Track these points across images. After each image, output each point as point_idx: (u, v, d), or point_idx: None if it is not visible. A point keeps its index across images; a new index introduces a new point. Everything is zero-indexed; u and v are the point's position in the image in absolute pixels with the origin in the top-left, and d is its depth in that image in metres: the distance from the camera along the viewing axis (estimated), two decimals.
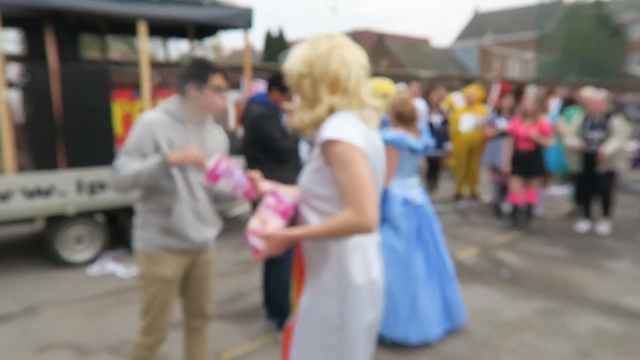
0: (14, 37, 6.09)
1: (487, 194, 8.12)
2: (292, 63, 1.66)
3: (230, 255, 5.34)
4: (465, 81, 14.18)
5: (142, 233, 2.36)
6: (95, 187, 4.79)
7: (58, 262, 4.84)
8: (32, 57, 4.90)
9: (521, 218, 6.24)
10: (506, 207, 6.77)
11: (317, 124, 1.63)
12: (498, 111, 6.94)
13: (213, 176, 2.00)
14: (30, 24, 4.89)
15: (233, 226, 6.57)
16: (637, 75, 27.99)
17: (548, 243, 5.76)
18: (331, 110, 1.62)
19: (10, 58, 5.77)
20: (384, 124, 3.72)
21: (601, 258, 5.23)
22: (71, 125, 4.68)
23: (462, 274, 4.69)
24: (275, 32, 29.71)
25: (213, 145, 2.44)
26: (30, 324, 3.74)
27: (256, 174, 2.01)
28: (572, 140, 6.03)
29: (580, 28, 27.16)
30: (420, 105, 7.29)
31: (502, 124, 6.66)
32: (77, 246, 4.94)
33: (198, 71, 2.29)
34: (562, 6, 29.84)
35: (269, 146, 3.35)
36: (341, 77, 1.60)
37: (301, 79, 1.64)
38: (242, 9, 5.65)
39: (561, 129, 6.54)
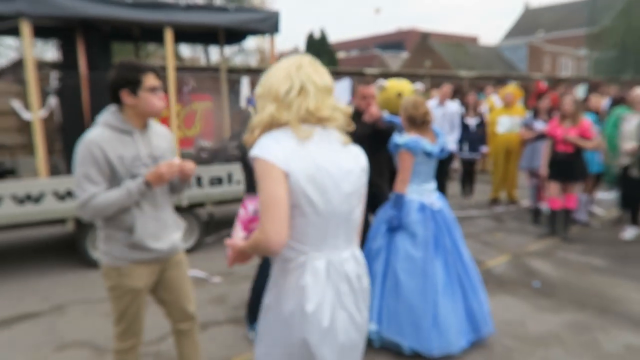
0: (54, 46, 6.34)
1: (526, 198, 7.78)
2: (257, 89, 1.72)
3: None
4: (510, 81, 13.68)
5: (107, 247, 2.30)
6: None
7: (88, 263, 5.01)
8: (66, 65, 5.11)
9: (559, 224, 5.92)
10: (543, 212, 6.46)
11: (256, 136, 1.65)
12: (535, 112, 6.61)
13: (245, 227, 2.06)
14: (65, 34, 5.09)
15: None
16: None
17: (587, 252, 5.43)
18: (271, 123, 1.63)
19: (51, 66, 6.03)
20: (399, 129, 3.60)
21: None
22: None
23: (490, 282, 4.50)
24: (317, 34, 29.78)
25: (164, 146, 2.39)
26: (55, 323, 3.87)
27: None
28: (628, 143, 5.65)
29: (637, 23, 25.60)
30: (453, 107, 7.08)
31: (540, 125, 6.35)
32: None
33: (128, 74, 2.18)
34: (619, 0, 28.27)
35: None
36: (281, 91, 1.61)
37: (258, 99, 1.69)
38: (268, 13, 5.67)
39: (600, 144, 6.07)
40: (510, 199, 7.69)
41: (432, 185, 3.49)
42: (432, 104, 7.06)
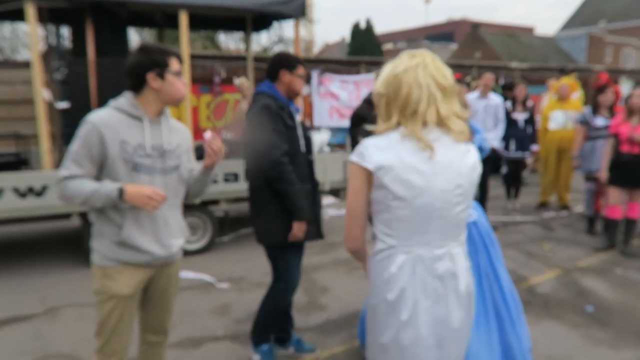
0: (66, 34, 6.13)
1: (580, 204, 6.98)
2: (377, 83, 1.69)
3: (264, 262, 4.90)
4: (567, 73, 12.61)
5: (97, 244, 2.10)
6: None
7: None
8: (75, 51, 4.83)
9: (619, 236, 5.16)
10: (601, 221, 5.68)
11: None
12: (594, 107, 5.78)
13: None
14: (75, 18, 4.80)
15: None
16: None
17: None
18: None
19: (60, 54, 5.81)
20: None
21: None
22: None
23: (533, 304, 3.88)
24: (363, 24, 28.99)
25: (176, 141, 2.19)
26: (44, 328, 3.58)
27: None
28: None
29: None
30: (496, 99, 6.37)
31: (600, 122, 5.56)
32: None
33: (156, 56, 2.04)
34: None
35: (257, 154, 2.79)
36: (412, 100, 1.58)
37: (379, 98, 1.67)
38: None
39: None
40: (562, 204, 6.91)
41: None
42: (472, 96, 6.38)
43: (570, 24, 45.94)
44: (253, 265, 4.81)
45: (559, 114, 6.51)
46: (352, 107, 10.46)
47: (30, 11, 4.17)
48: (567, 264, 4.84)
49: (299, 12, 5.15)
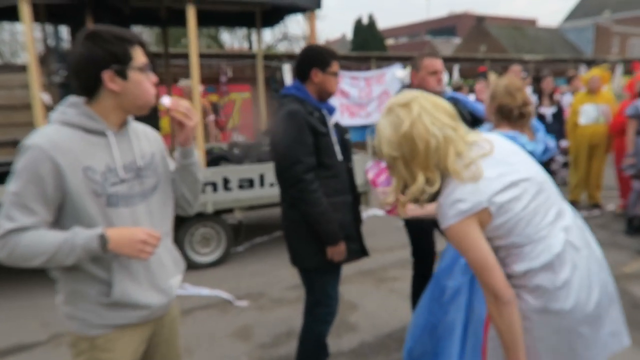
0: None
1: (612, 202, 6.60)
2: (380, 143, 1.62)
3: (286, 274, 4.56)
4: (581, 64, 12.22)
5: (75, 310, 1.56)
6: None
7: None
8: None
9: None
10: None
11: (431, 196, 1.59)
12: None
13: (373, 183, 1.93)
14: (74, 16, 4.45)
15: None
16: None
17: None
18: (431, 180, 1.57)
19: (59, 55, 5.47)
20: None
21: None
22: None
23: None
24: (365, 20, 28.57)
25: (149, 150, 1.68)
26: (50, 359, 3.24)
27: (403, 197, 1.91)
28: None
29: None
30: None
31: None
32: None
33: (113, 48, 1.48)
34: None
35: (278, 169, 2.48)
36: (431, 150, 1.54)
37: (393, 161, 1.60)
38: None
39: None
40: (593, 202, 6.53)
41: None
42: None
43: (574, 14, 45.38)
44: (272, 279, 4.46)
45: (590, 107, 6.13)
46: (363, 104, 10.13)
47: (25, 9, 3.81)
48: (612, 270, 4.46)
49: (315, 4, 4.79)
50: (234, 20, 6.16)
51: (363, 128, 9.81)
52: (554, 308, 1.55)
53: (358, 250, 2.64)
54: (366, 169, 2.07)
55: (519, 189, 1.55)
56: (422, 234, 3.09)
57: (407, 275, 4.46)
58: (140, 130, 1.70)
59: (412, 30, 50.99)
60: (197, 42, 4.58)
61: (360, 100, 9.90)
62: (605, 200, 6.68)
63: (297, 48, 20.06)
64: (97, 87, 1.50)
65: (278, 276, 4.53)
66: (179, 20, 6.08)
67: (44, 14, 4.56)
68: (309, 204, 2.39)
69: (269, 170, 4.80)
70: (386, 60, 10.43)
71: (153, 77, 1.59)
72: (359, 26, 28.30)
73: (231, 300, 4.01)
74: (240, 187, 4.71)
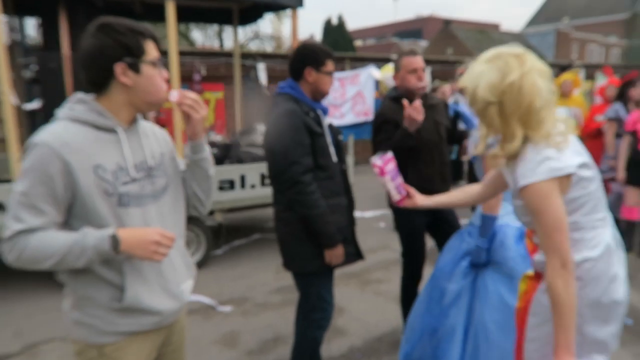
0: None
1: None
2: (476, 86, 1.54)
3: (268, 278, 4.47)
4: (565, 69, 12.55)
5: (83, 316, 1.48)
6: None
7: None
8: (47, 46, 4.25)
9: (636, 239, 4.94)
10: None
11: (512, 156, 1.57)
12: (624, 102, 5.39)
13: (381, 171, 1.96)
14: (46, 9, 4.22)
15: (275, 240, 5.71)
16: None
17: None
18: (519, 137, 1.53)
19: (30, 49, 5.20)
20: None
21: None
22: None
23: None
24: (335, 21, 28.61)
25: (158, 150, 1.62)
26: None
27: (414, 191, 2.05)
28: None
29: None
30: None
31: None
32: None
33: (127, 40, 1.42)
34: None
35: (275, 171, 2.40)
36: (535, 109, 1.50)
37: (488, 106, 1.53)
38: None
39: None
40: None
41: None
42: None
43: (535, 20, 46.89)
44: (254, 283, 4.36)
45: (563, 110, 6.26)
46: (337, 105, 10.10)
47: None
48: None
49: (297, 2, 4.71)
50: (211, 16, 6.00)
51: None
52: (610, 299, 1.56)
53: (353, 254, 2.58)
54: (372, 161, 2.00)
55: (591, 172, 1.56)
56: (414, 234, 3.06)
57: (390, 277, 4.45)
58: (149, 129, 1.63)
59: (379, 32, 51.45)
60: (177, 38, 4.42)
61: (335, 101, 9.86)
62: None
63: (269, 47, 19.90)
64: (107, 80, 1.44)
65: (260, 280, 4.43)
66: (154, 15, 5.91)
67: (12, 6, 4.31)
68: (307, 206, 2.32)
69: (250, 171, 4.69)
70: (360, 61, 10.43)
71: (165, 73, 1.53)
72: (328, 27, 28.33)
73: (214, 306, 3.89)
74: (221, 188, 4.58)
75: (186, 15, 5.77)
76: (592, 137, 5.97)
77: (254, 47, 19.05)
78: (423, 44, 39.32)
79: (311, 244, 2.41)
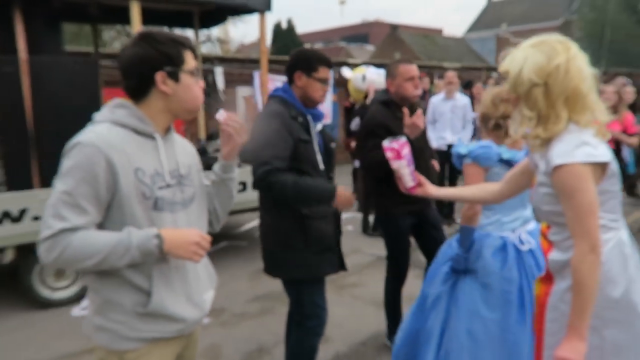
0: None
1: None
2: (521, 68, 1.54)
3: (243, 286, 4.38)
4: (492, 72, 13.10)
5: (106, 321, 1.47)
6: None
7: (35, 302, 3.92)
8: (2, 50, 3.95)
9: None
10: None
11: (549, 139, 1.56)
12: None
13: (397, 155, 1.91)
14: (2, 13, 3.93)
15: (248, 245, 5.64)
16: None
17: None
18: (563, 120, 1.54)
19: None
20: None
21: None
22: (48, 132, 3.72)
23: None
24: (284, 25, 28.66)
25: (188, 161, 1.66)
26: None
27: (425, 180, 2.02)
28: None
29: (607, 15, 25.71)
30: (464, 99, 6.28)
31: None
32: (59, 281, 4.01)
33: (169, 49, 1.49)
34: None
35: (252, 171, 2.32)
36: (582, 92, 1.52)
37: (533, 88, 1.53)
38: None
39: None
40: None
41: (524, 212, 2.51)
42: (437, 98, 6.25)
43: (475, 26, 48.90)
44: (229, 293, 4.25)
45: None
46: None
47: None
48: None
49: (266, 5, 4.66)
50: (171, 19, 5.83)
51: None
52: (628, 300, 1.57)
53: (337, 264, 2.55)
54: (385, 146, 1.94)
55: (616, 169, 1.58)
56: (399, 236, 3.10)
57: (365, 281, 4.48)
58: (178, 140, 1.68)
59: (326, 36, 51.91)
60: None
61: None
62: None
63: (218, 51, 19.59)
64: (148, 88, 1.49)
65: (235, 289, 4.33)
66: (111, 17, 5.68)
67: None
68: (283, 191, 2.22)
69: None
70: None
71: (202, 83, 1.59)
72: (278, 30, 28.33)
73: None
74: None
75: (146, 18, 5.56)
76: None
77: (204, 50, 18.68)
78: (370, 48, 40.03)
79: (299, 250, 2.37)
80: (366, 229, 5.96)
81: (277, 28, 28.61)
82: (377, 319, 3.73)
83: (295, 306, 2.56)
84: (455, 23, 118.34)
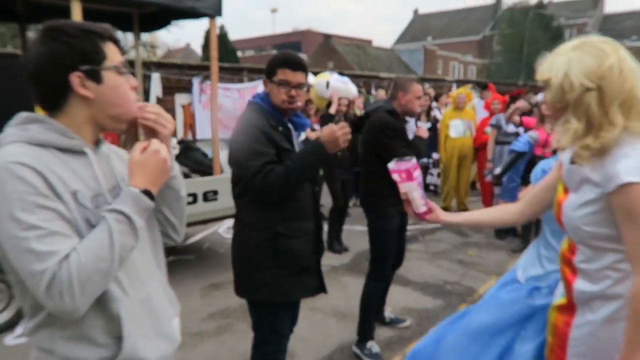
0: None
1: (477, 208, 7.40)
2: (566, 74, 1.39)
3: (196, 304, 4.16)
4: (425, 83, 13.59)
5: None
6: None
7: None
8: None
9: (532, 237, 5.50)
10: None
11: (602, 150, 1.38)
12: (509, 114, 6.03)
13: (408, 176, 1.76)
14: None
15: (196, 259, 5.38)
16: None
17: None
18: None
19: None
20: None
21: None
22: None
23: None
24: (217, 31, 28.18)
25: (124, 172, 1.37)
26: None
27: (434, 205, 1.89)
28: None
29: (523, 31, 27.68)
30: None
31: (511, 128, 5.86)
32: None
33: (83, 44, 1.19)
34: (505, 9, 30.44)
35: (240, 175, 2.23)
36: (638, 95, 1.38)
37: (585, 93, 1.37)
38: None
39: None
40: (462, 208, 7.25)
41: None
42: None
43: (403, 38, 50.86)
44: (183, 311, 3.92)
45: (459, 122, 6.82)
46: (237, 117, 9.85)
47: None
48: (499, 269, 4.98)
49: (216, 10, 4.50)
50: (110, 21, 5.48)
51: None
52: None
53: (316, 286, 2.39)
54: (391, 169, 1.79)
55: None
56: (389, 238, 3.20)
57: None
58: (111, 150, 1.39)
59: (258, 43, 51.74)
60: None
61: (235, 112, 9.60)
62: (471, 205, 7.47)
63: (154, 56, 18.87)
64: (63, 95, 1.20)
65: (187, 307, 4.09)
66: (41, 16, 5.24)
67: None
68: (280, 176, 2.09)
69: None
70: (258, 73, 10.32)
71: (133, 81, 1.30)
72: (210, 37, 27.71)
73: None
74: None
75: (85, 18, 5.20)
76: (483, 148, 6.56)
77: (133, 55, 17.94)
78: (302, 56, 40.31)
79: (266, 269, 2.22)
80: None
81: (210, 34, 28.04)
82: (340, 330, 3.69)
83: (255, 328, 2.39)
84: (382, 33, 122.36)
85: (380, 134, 3.10)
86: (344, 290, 4.43)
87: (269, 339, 2.34)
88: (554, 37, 26.20)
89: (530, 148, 4.80)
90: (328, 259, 5.26)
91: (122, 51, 1.28)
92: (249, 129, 2.17)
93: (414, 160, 1.83)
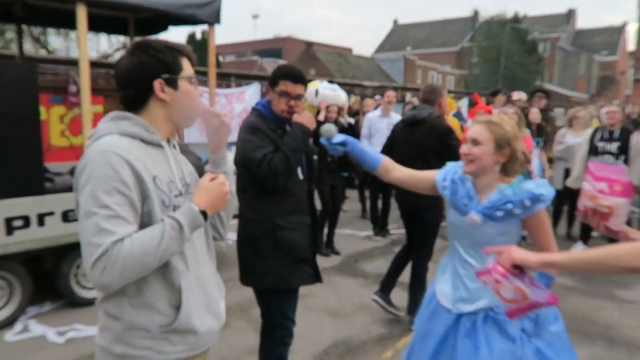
0: None
1: None
2: None
3: None
4: (408, 91, 13.93)
5: (128, 348, 1.40)
6: (13, 225, 3.54)
7: None
8: None
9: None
10: None
11: None
12: None
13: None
14: None
15: None
16: (551, 91, 29.99)
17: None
18: None
19: None
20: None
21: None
22: None
23: None
24: (199, 36, 28.09)
25: (189, 169, 1.65)
26: None
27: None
28: None
29: (499, 43, 28.45)
30: (398, 117, 6.64)
31: None
32: None
33: (166, 57, 1.47)
34: (481, 22, 31.28)
35: (249, 170, 2.44)
36: None
37: None
38: None
39: None
40: None
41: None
42: (374, 115, 6.55)
43: (382, 47, 51.57)
44: None
45: None
46: None
47: None
48: None
49: (215, 18, 4.64)
50: (106, 25, 5.57)
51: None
52: None
53: (312, 275, 2.62)
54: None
55: None
56: (438, 224, 3.83)
57: (315, 292, 4.54)
58: (178, 146, 1.66)
59: (240, 49, 51.76)
60: (87, 47, 4.05)
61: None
62: None
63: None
64: (146, 97, 1.47)
65: None
66: (37, 19, 5.31)
67: None
68: (283, 161, 2.36)
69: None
70: (245, 78, 10.46)
71: (200, 90, 1.59)
72: (192, 42, 27.67)
73: None
74: (65, 219, 4.21)
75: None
76: None
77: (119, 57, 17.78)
78: (283, 63, 40.54)
79: (271, 259, 2.43)
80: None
81: (192, 39, 27.95)
82: (334, 327, 3.85)
83: (264, 315, 2.60)
84: (362, 42, 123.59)
85: (446, 137, 3.56)
86: (335, 290, 4.60)
87: (278, 324, 2.55)
88: (529, 51, 27.11)
89: None
90: (318, 261, 5.41)
91: (194, 65, 1.55)
92: (251, 130, 2.43)
93: (621, 166, 1.58)
